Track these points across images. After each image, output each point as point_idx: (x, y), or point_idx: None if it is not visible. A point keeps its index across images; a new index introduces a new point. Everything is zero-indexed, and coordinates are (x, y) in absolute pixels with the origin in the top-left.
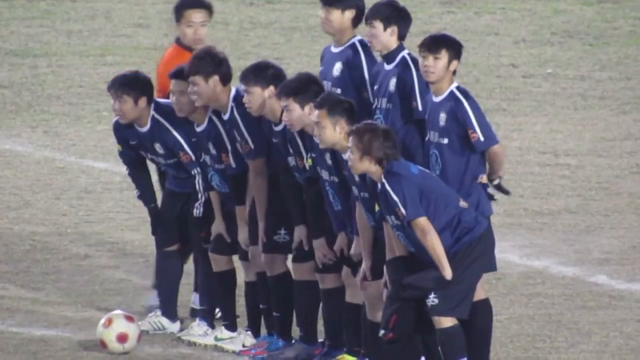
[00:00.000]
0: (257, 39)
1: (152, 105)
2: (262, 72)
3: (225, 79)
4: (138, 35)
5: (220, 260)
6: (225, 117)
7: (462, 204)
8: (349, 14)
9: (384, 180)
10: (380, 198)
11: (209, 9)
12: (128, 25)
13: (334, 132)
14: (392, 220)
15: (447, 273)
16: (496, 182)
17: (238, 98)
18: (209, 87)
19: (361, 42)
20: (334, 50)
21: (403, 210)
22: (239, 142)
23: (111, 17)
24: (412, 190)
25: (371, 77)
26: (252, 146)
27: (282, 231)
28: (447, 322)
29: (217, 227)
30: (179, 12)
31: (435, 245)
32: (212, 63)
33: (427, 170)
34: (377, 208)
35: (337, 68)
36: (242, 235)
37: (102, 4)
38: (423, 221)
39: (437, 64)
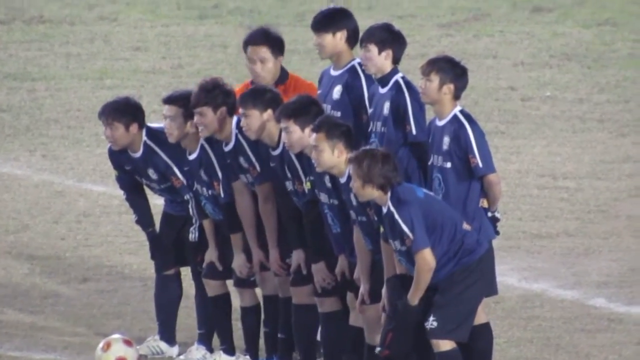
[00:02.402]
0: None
1: (144, 131)
2: (260, 96)
3: (232, 111)
4: (136, 58)
5: (213, 285)
6: (229, 146)
7: (466, 226)
8: (341, 35)
9: (391, 208)
10: (385, 222)
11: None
12: (126, 48)
13: (331, 156)
14: (396, 246)
15: (413, 300)
16: (491, 214)
17: (239, 125)
18: (217, 118)
19: (361, 64)
20: (333, 73)
21: (411, 236)
22: (245, 168)
23: (109, 40)
24: (419, 217)
25: (370, 97)
26: (259, 170)
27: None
28: (445, 345)
29: (210, 254)
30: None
31: (425, 279)
32: (221, 95)
33: (432, 193)
34: (382, 229)
35: (337, 91)
36: (238, 262)
37: (101, 27)
38: (426, 254)
39: (427, 87)
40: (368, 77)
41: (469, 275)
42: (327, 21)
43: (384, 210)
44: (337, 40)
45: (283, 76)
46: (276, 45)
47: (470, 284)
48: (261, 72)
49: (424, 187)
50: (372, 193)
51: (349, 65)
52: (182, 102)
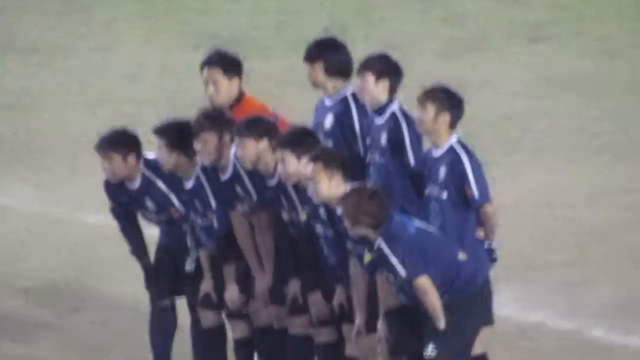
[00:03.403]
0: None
1: (142, 161)
2: (256, 125)
3: (233, 138)
4: (131, 88)
5: (208, 315)
6: (227, 175)
7: (461, 256)
8: (318, 66)
9: (381, 245)
10: (376, 257)
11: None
12: (121, 78)
13: (329, 187)
14: (390, 279)
15: (441, 324)
16: (487, 245)
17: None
18: (220, 145)
19: (353, 95)
20: (327, 102)
21: (402, 272)
22: (242, 198)
23: (104, 70)
24: (411, 252)
25: (364, 129)
26: (255, 199)
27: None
28: None
29: (206, 285)
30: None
31: (434, 303)
32: (224, 121)
33: (425, 226)
34: (367, 259)
35: (329, 121)
36: (230, 294)
37: (95, 57)
38: (423, 281)
39: (423, 116)
40: (360, 108)
41: (466, 305)
42: (308, 51)
43: (375, 245)
44: (315, 70)
45: (239, 98)
46: (230, 66)
47: (468, 313)
48: (214, 93)
49: (424, 219)
50: (363, 232)
51: (341, 96)
52: (168, 133)
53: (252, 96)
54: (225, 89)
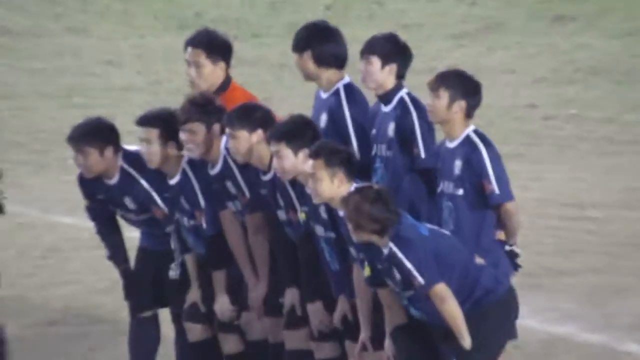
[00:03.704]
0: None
1: (121, 154)
2: (249, 115)
3: (224, 129)
4: (109, 74)
5: (195, 328)
6: (217, 169)
7: (479, 261)
8: (307, 56)
9: (393, 249)
10: (386, 266)
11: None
12: (98, 63)
13: (331, 186)
14: (399, 291)
15: (467, 342)
16: (508, 247)
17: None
18: (209, 136)
19: (346, 87)
20: (322, 96)
21: (420, 279)
22: (234, 195)
23: (79, 54)
24: (426, 255)
25: (358, 124)
26: (248, 197)
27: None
28: None
29: (193, 295)
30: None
31: (454, 313)
32: (214, 110)
33: (437, 228)
34: (367, 273)
35: (323, 118)
36: (221, 304)
37: (69, 39)
38: (441, 288)
39: (436, 104)
40: (352, 100)
41: (489, 317)
42: (295, 39)
43: (385, 252)
44: (304, 60)
45: (224, 85)
46: (216, 50)
47: (492, 327)
48: (196, 77)
49: (436, 219)
50: (368, 237)
51: (334, 89)
52: (160, 123)
53: (241, 85)
54: (209, 73)
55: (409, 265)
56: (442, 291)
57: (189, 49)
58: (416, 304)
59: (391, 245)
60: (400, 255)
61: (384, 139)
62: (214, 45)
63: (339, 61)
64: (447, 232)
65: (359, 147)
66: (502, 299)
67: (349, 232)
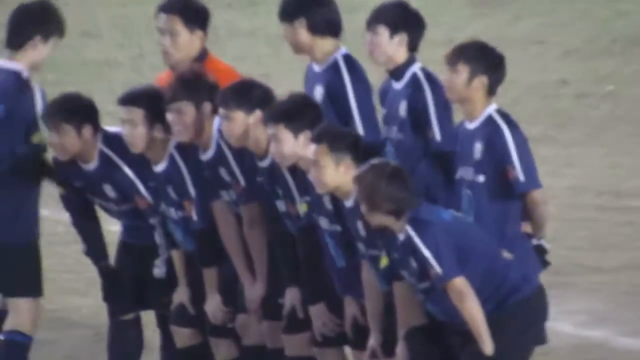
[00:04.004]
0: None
1: (100, 136)
2: (246, 93)
3: (216, 109)
4: (86, 46)
5: (183, 333)
6: (209, 154)
7: (506, 255)
8: (299, 24)
9: (410, 232)
10: (401, 254)
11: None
12: (73, 34)
13: (335, 173)
14: (414, 283)
15: (488, 347)
16: (535, 241)
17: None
18: (199, 116)
19: (346, 58)
20: (316, 69)
21: (437, 268)
22: (227, 183)
23: None
24: (446, 243)
25: (362, 100)
26: (244, 185)
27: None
28: None
29: (180, 294)
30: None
31: (474, 312)
32: (204, 88)
33: (461, 216)
34: (382, 264)
35: (318, 94)
36: (212, 305)
37: None
38: (460, 282)
39: (454, 80)
40: (355, 73)
41: (515, 319)
42: (284, 7)
43: (401, 238)
44: (296, 30)
45: (201, 57)
46: (193, 16)
47: (519, 331)
48: (170, 46)
49: (452, 208)
50: (384, 220)
51: (330, 60)
52: (145, 102)
53: (237, 59)
54: (185, 43)
55: (425, 251)
56: (461, 286)
57: (162, 15)
58: (432, 299)
59: (408, 228)
60: (416, 239)
61: (395, 119)
62: (190, 12)
63: (334, 28)
64: (472, 222)
65: (365, 128)
66: (530, 300)
67: (357, 223)
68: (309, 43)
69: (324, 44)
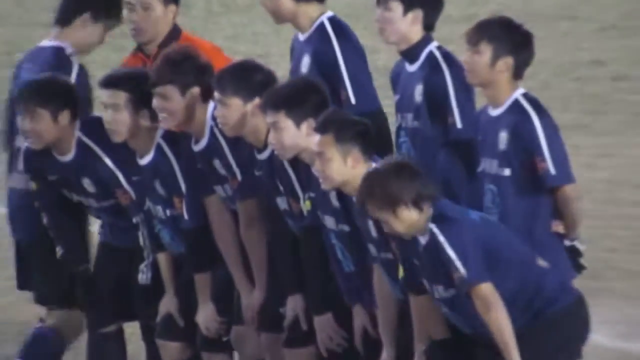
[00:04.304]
0: (231, 28)
1: (78, 123)
2: (247, 77)
3: (207, 93)
4: None
5: (172, 348)
6: (201, 144)
7: (541, 263)
8: None
9: (435, 230)
10: (425, 259)
11: None
12: (45, 10)
13: (343, 167)
14: (440, 291)
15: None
16: (568, 242)
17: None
18: (186, 102)
19: (332, 20)
20: (301, 38)
21: (462, 270)
22: (223, 177)
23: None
24: (474, 243)
25: (353, 66)
26: (241, 179)
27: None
28: None
29: (168, 303)
30: None
31: (501, 323)
32: (193, 69)
33: (490, 218)
34: (400, 275)
35: (305, 63)
36: (205, 315)
37: None
38: (487, 288)
39: (475, 61)
40: (341, 36)
41: (553, 333)
42: None
43: (423, 242)
44: None
45: (174, 35)
46: None
47: (556, 346)
48: (142, 21)
49: (476, 205)
50: (407, 217)
51: (316, 24)
52: (131, 85)
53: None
54: (158, 18)
55: (450, 251)
56: (488, 293)
57: None
58: (457, 307)
59: (432, 226)
60: (441, 238)
61: (410, 105)
62: None
63: None
64: (502, 225)
65: (356, 96)
66: (569, 312)
67: (367, 222)
68: (292, 10)
69: (308, 10)
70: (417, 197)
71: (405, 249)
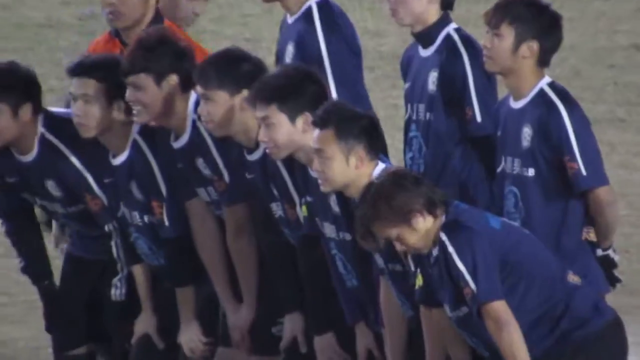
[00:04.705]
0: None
1: (41, 118)
2: (231, 68)
3: (187, 82)
4: (23, 4)
5: None
6: (182, 141)
7: (572, 278)
8: None
9: (443, 237)
10: (437, 271)
11: None
12: None
13: (345, 167)
14: (451, 311)
15: None
16: (601, 252)
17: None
18: (163, 93)
19: (322, 4)
20: (289, 20)
21: (472, 285)
22: (207, 179)
23: None
24: (488, 255)
25: (337, 57)
26: (228, 181)
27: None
28: None
29: (145, 322)
30: None
31: (513, 345)
32: (169, 55)
33: (515, 224)
34: (418, 284)
35: (289, 52)
36: (188, 335)
37: None
38: (498, 307)
39: (495, 45)
40: (327, 23)
41: (582, 359)
42: None
43: (434, 252)
44: None
45: (156, 21)
46: None
47: None
48: (119, 4)
49: (495, 209)
50: (423, 226)
51: (304, 8)
52: (104, 72)
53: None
54: (138, 1)
55: (459, 263)
56: (500, 311)
57: None
58: (469, 327)
59: (441, 234)
60: (450, 248)
61: (423, 95)
62: None
63: None
64: (529, 234)
65: (338, 93)
66: (602, 336)
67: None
68: None
69: None
70: (429, 203)
71: (417, 259)
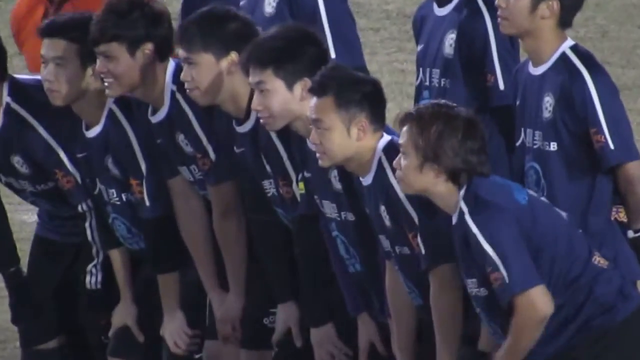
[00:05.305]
0: None
1: (6, 87)
2: (217, 28)
3: (164, 50)
4: None
5: None
6: (161, 115)
7: (598, 260)
8: None
9: (466, 215)
10: (454, 236)
11: None
12: None
13: (346, 138)
14: (472, 287)
15: None
16: (632, 234)
17: (179, 78)
18: (137, 63)
19: None
20: None
21: (504, 272)
22: (190, 156)
23: None
24: (519, 238)
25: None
26: (213, 158)
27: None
28: None
29: (123, 313)
30: None
31: (527, 341)
32: (143, 20)
33: (542, 199)
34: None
35: (269, 1)
36: (172, 327)
37: None
38: (537, 295)
39: (511, 4)
40: None
41: (606, 350)
42: None
43: (454, 219)
44: None
45: None
46: None
47: None
48: None
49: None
50: (432, 183)
51: None
52: (77, 32)
53: None
54: None
55: (488, 248)
56: (536, 299)
57: None
58: (488, 310)
59: (461, 206)
60: (475, 229)
61: (438, 59)
62: None
63: None
64: (553, 208)
65: (336, 53)
66: (628, 325)
67: (379, 208)
68: None
69: None
70: (464, 169)
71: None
